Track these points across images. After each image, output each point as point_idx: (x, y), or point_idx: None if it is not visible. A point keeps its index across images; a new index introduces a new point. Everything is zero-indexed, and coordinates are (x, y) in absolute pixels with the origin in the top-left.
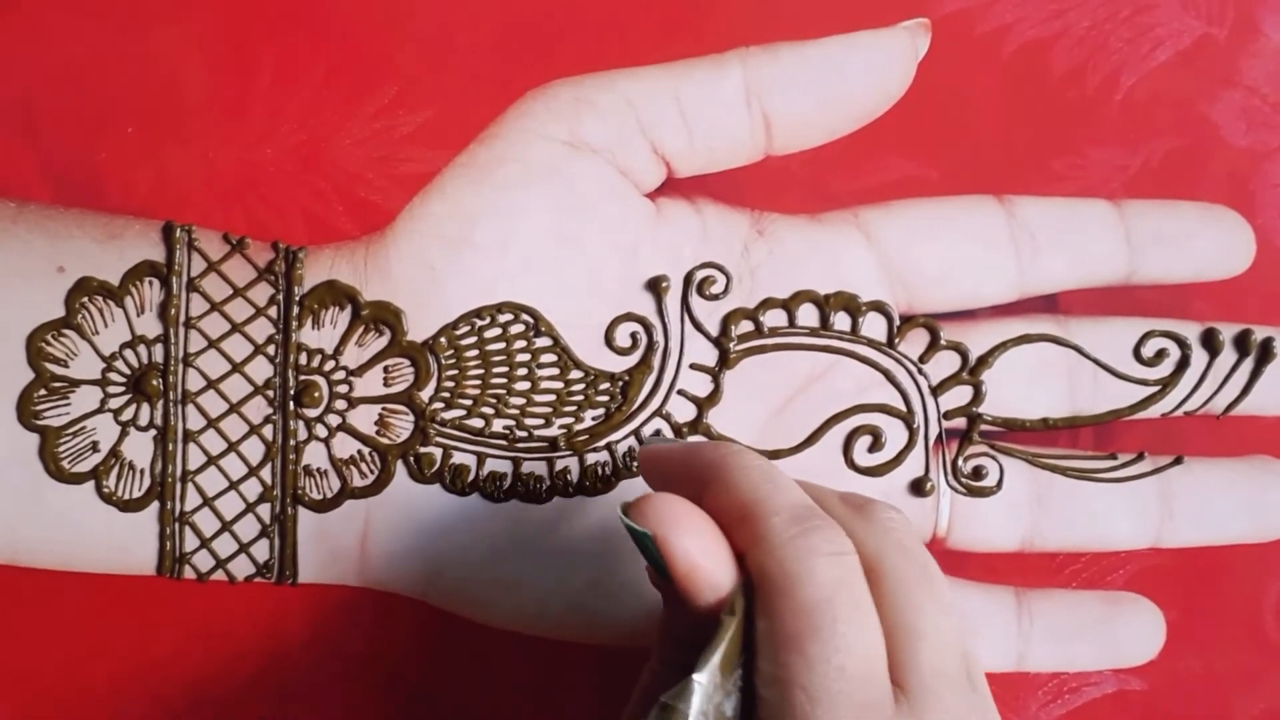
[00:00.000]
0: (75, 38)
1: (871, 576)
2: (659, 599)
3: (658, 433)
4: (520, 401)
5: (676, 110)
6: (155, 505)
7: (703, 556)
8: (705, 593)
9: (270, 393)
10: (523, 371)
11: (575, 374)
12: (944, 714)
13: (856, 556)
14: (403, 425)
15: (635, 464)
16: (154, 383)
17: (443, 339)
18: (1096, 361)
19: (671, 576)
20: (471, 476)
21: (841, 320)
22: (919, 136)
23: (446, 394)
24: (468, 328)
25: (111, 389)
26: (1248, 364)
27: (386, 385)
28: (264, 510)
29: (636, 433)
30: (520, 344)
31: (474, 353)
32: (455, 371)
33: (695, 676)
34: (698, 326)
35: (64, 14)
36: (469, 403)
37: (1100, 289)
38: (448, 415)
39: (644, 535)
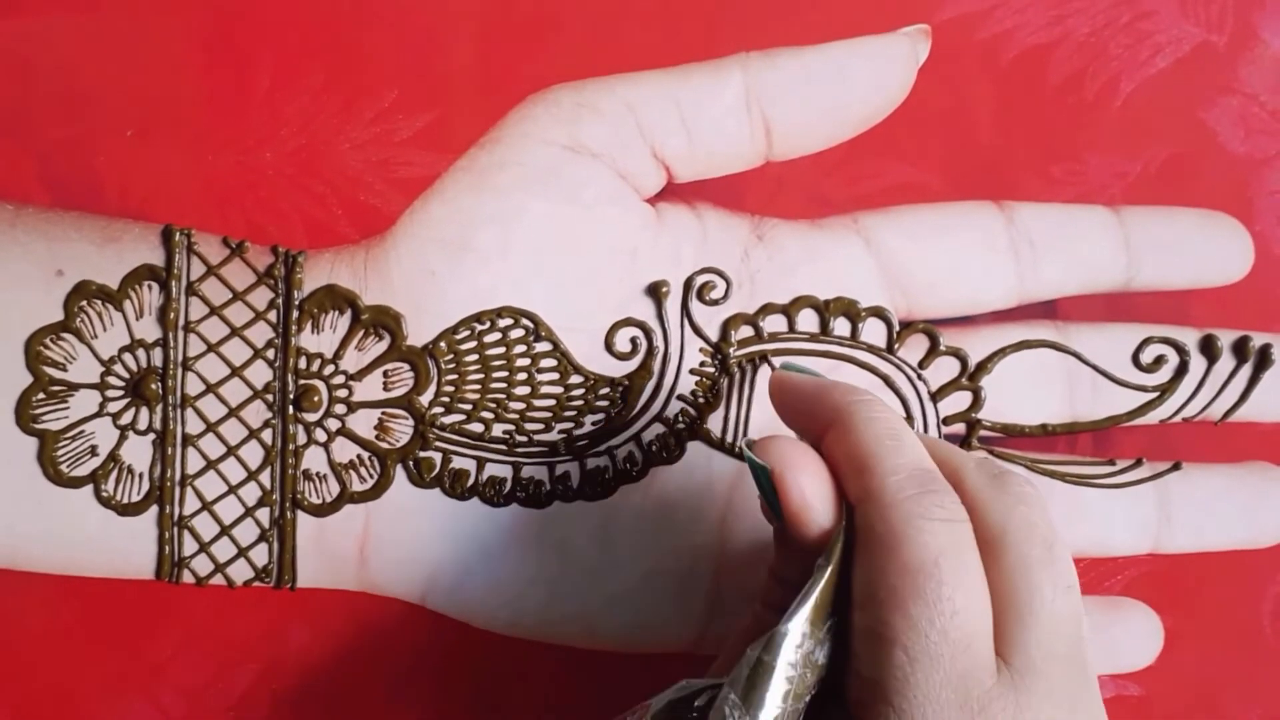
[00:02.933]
0: (74, 40)
1: (993, 547)
2: (658, 604)
3: (785, 365)
4: (520, 406)
5: (677, 115)
6: (154, 509)
7: (815, 498)
8: (812, 533)
9: (269, 397)
10: (523, 376)
11: (575, 379)
12: (1048, 695)
13: (969, 525)
14: (402, 430)
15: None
16: (153, 387)
17: (442, 343)
18: (1095, 367)
19: (782, 513)
20: (471, 481)
21: (841, 325)
22: (919, 142)
23: (446, 399)
24: (467, 332)
25: (110, 393)
26: (1245, 370)
27: (386, 390)
28: (263, 514)
29: (767, 359)
30: (520, 349)
31: (474, 357)
32: (455, 376)
33: (781, 627)
34: (698, 331)
35: (63, 16)
36: (469, 407)
37: (1099, 295)
38: (447, 420)
39: (762, 469)
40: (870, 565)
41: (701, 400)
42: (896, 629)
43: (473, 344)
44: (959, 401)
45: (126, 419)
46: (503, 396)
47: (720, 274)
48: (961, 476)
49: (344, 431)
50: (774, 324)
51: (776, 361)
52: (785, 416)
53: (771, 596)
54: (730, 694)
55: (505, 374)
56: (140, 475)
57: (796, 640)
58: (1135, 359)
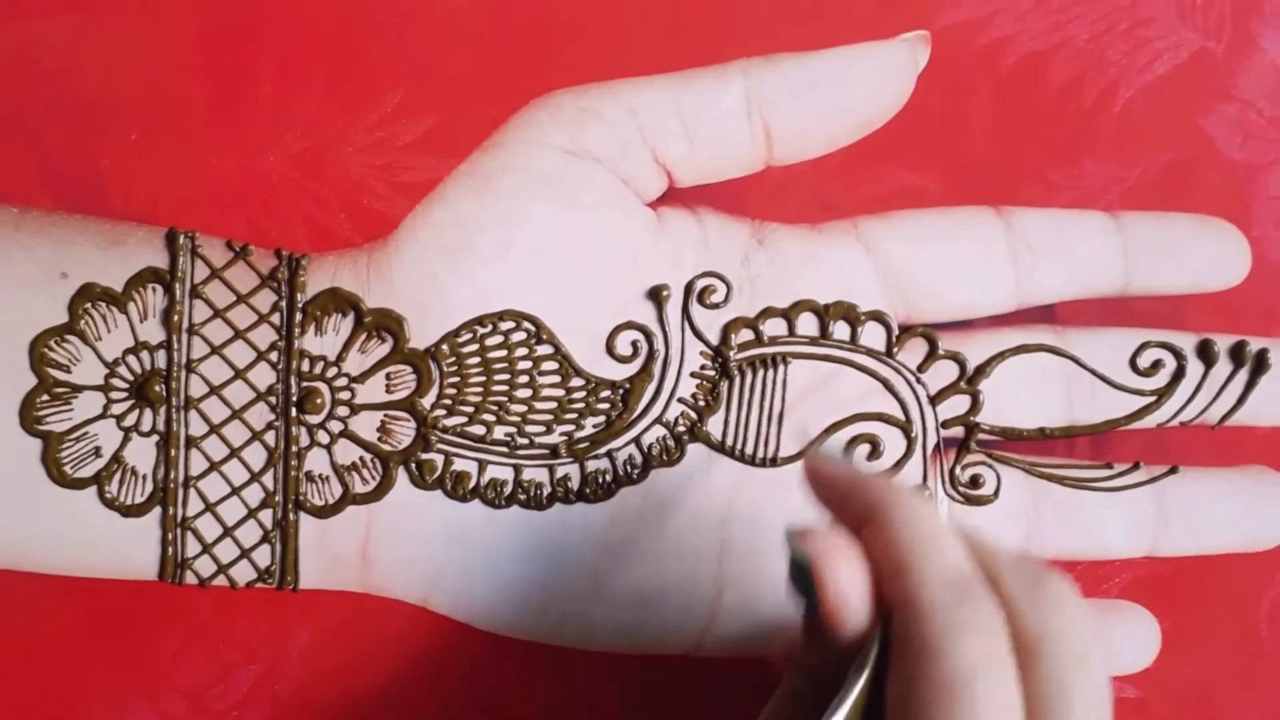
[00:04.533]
0: (77, 44)
1: (1029, 655)
2: (659, 606)
3: (823, 442)
4: (521, 408)
5: (678, 120)
6: (157, 510)
7: (853, 596)
8: (846, 634)
9: (272, 399)
10: (524, 379)
11: (576, 381)
12: None
13: (1006, 635)
14: (404, 432)
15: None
16: (156, 388)
17: (445, 346)
18: (1093, 372)
19: (819, 607)
20: (473, 483)
21: (841, 329)
22: (918, 147)
23: (448, 401)
24: (470, 335)
25: (114, 394)
26: (1243, 375)
27: (388, 392)
28: (266, 516)
29: (808, 440)
30: (522, 351)
31: (476, 360)
32: (457, 378)
33: None
34: (698, 335)
35: (66, 20)
36: (470, 409)
37: (1097, 300)
38: (449, 422)
39: (803, 559)
40: (903, 676)
41: (702, 403)
42: None
43: (475, 347)
44: (957, 405)
45: (130, 421)
46: (504, 399)
47: (721, 278)
48: (997, 577)
49: (346, 433)
50: (774, 327)
51: (815, 437)
52: (820, 503)
53: (799, 686)
54: None
55: (507, 376)
56: (144, 477)
57: None
58: (1133, 363)
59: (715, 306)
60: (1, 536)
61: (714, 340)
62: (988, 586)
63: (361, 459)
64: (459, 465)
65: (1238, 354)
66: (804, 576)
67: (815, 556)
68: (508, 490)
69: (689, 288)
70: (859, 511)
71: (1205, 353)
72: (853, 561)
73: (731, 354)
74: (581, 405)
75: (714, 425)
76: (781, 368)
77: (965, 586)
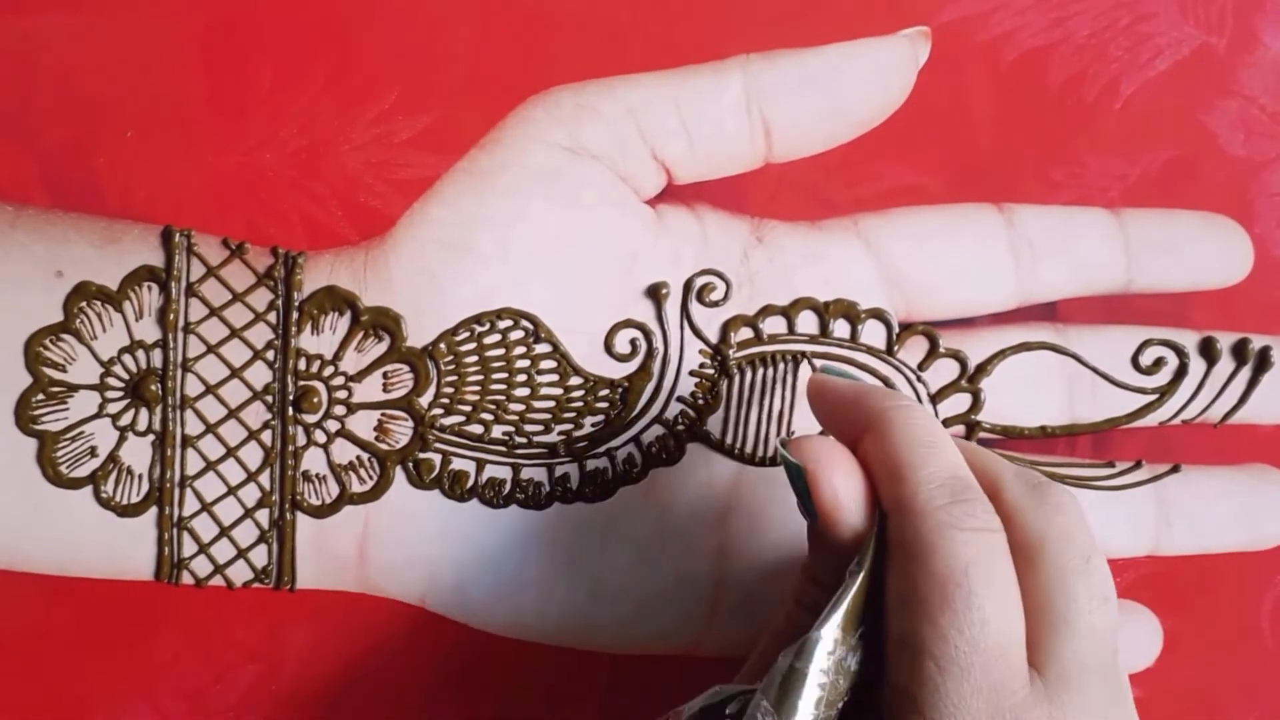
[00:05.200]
0: (75, 42)
1: (1029, 557)
2: (658, 605)
3: (824, 368)
4: (520, 408)
5: (677, 117)
6: (153, 510)
7: (847, 498)
8: (844, 535)
9: (269, 398)
10: (522, 378)
11: (575, 380)
12: (1082, 707)
13: (1002, 534)
14: (402, 431)
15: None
16: (152, 388)
17: (442, 345)
18: (1095, 370)
19: (815, 512)
20: (470, 482)
21: (841, 328)
22: (919, 144)
23: (446, 400)
24: (467, 334)
25: (110, 394)
26: (1245, 373)
27: (386, 391)
28: (262, 516)
29: (809, 360)
30: (520, 350)
31: (473, 359)
32: (455, 377)
33: (814, 633)
34: (697, 333)
35: (63, 18)
36: (468, 409)
37: (1099, 297)
38: (447, 421)
39: (796, 467)
40: (901, 574)
41: (701, 402)
42: (926, 639)
43: (472, 345)
44: (959, 403)
45: (126, 420)
46: (502, 398)
47: (720, 275)
48: (999, 485)
49: (343, 433)
50: (774, 325)
51: (817, 363)
52: (822, 419)
53: (805, 597)
54: (763, 701)
55: (505, 375)
56: (140, 476)
57: (829, 647)
58: (1135, 361)
59: (714, 304)
60: None
61: (713, 338)
62: (982, 490)
63: (359, 458)
64: (457, 464)
65: (1240, 352)
66: (799, 483)
67: (808, 462)
68: (506, 489)
69: (688, 285)
70: (861, 421)
71: (1207, 350)
72: (846, 464)
73: (731, 352)
74: (580, 404)
75: (713, 424)
76: (782, 366)
77: (960, 488)
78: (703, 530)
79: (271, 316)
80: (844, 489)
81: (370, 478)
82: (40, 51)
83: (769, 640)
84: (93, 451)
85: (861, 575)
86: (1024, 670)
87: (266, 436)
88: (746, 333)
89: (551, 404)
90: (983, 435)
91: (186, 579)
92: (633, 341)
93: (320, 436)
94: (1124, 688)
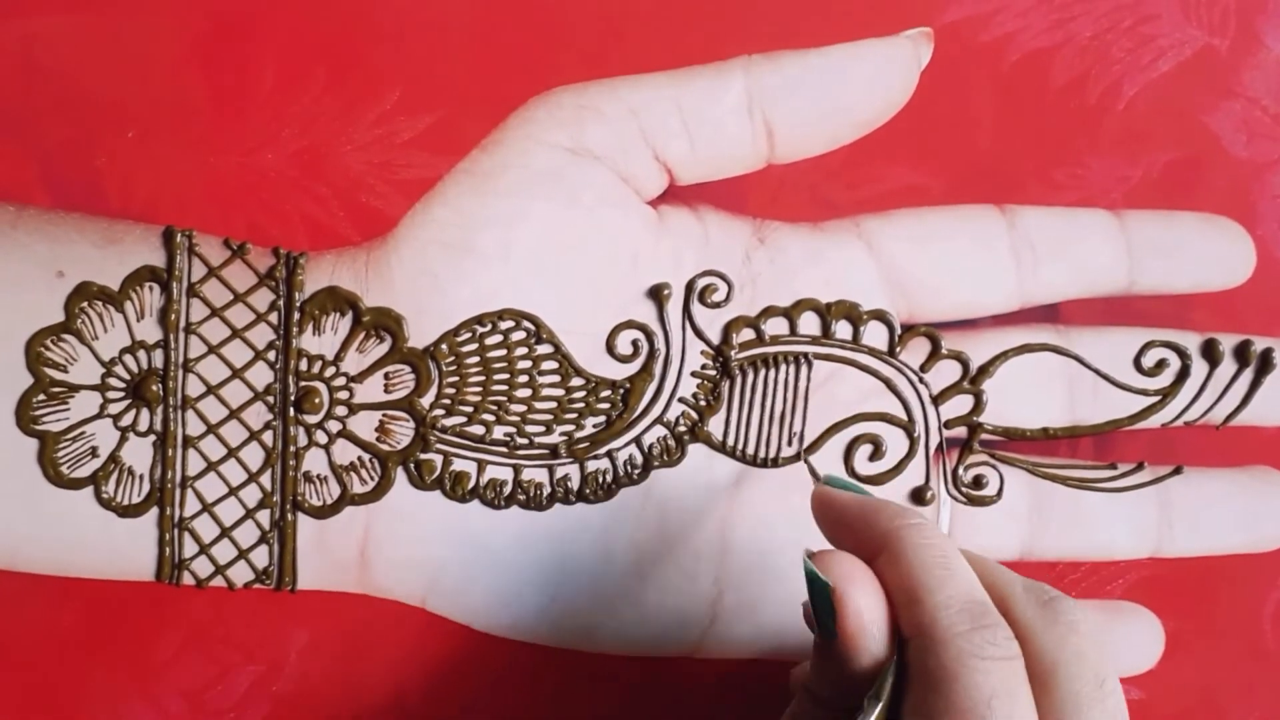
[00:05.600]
0: (76, 42)
1: (1044, 681)
2: (659, 607)
3: (828, 480)
4: (521, 408)
5: (679, 118)
6: (154, 511)
7: (872, 624)
8: (864, 661)
9: (270, 398)
10: (524, 378)
11: (576, 381)
12: None
13: (1022, 661)
14: (403, 432)
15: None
16: (154, 388)
17: (444, 345)
18: (1097, 371)
19: (839, 632)
20: (472, 483)
21: (843, 329)
22: (921, 145)
23: (447, 400)
24: (469, 334)
25: (111, 394)
26: (1247, 374)
27: (387, 391)
28: (263, 516)
29: (809, 463)
30: (521, 351)
31: (475, 359)
32: (456, 378)
33: None
34: (699, 334)
35: (65, 18)
36: (470, 409)
37: (1101, 299)
38: (448, 422)
39: (824, 585)
40: (922, 703)
41: (703, 403)
42: None
43: (474, 346)
44: (960, 405)
45: (127, 420)
46: (504, 399)
47: (722, 276)
48: (1010, 603)
49: (345, 433)
50: (776, 327)
51: (820, 473)
52: (828, 533)
53: (805, 709)
54: None
55: (506, 376)
56: (141, 477)
57: None
58: (1137, 363)
59: (716, 305)
60: None
61: (715, 339)
62: (999, 612)
63: (360, 459)
64: (458, 465)
65: (1242, 353)
66: (824, 601)
67: (837, 582)
68: (507, 490)
69: (690, 286)
70: (873, 541)
71: (1210, 352)
72: (871, 586)
73: (733, 353)
74: (581, 405)
75: (715, 425)
76: (784, 367)
77: (979, 613)
78: (704, 531)
79: (273, 317)
80: (869, 613)
81: (371, 478)
82: (42, 52)
83: None
84: (94, 452)
85: (881, 705)
86: None
87: (268, 437)
88: (748, 334)
89: (553, 405)
90: (985, 436)
91: (187, 579)
92: (634, 342)
93: (321, 437)
94: None
